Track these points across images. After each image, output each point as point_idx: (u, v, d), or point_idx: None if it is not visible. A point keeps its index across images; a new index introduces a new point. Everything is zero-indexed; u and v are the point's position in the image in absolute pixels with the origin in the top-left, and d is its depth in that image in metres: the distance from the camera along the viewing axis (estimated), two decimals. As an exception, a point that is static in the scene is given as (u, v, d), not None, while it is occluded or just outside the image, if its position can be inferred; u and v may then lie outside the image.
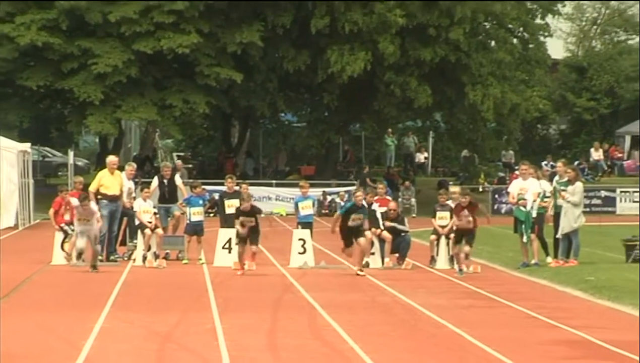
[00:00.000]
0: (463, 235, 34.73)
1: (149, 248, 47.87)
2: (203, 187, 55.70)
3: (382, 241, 46.18)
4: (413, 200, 71.54)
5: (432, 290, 38.34)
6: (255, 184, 61.75)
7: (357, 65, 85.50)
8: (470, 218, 34.82)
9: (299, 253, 45.68)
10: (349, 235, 34.67)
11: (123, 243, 49.34)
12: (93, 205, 36.47)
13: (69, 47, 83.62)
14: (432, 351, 26.36)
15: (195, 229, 49.24)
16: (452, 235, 44.65)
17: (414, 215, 66.18)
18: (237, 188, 49.31)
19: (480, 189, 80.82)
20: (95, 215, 36.03)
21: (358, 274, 36.22)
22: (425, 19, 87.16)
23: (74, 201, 36.73)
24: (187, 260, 47.97)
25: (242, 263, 36.76)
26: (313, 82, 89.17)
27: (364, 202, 38.51)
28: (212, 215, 52.59)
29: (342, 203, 58.97)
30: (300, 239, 47.13)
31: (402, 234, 45.28)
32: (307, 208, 51.26)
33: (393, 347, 25.27)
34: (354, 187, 59.17)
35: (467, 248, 35.05)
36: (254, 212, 37.11)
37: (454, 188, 48.37)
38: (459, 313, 30.80)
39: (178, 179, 52.71)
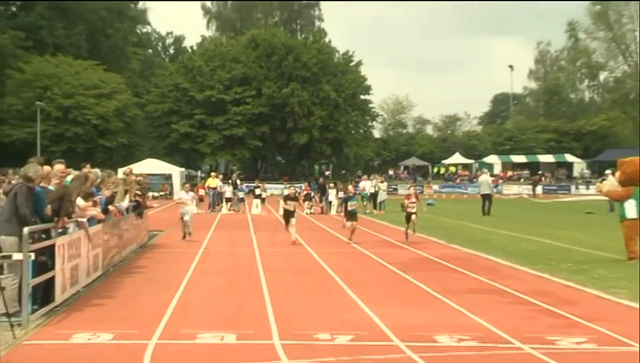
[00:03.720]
0: (410, 216, 27.03)
1: (228, 205, 47.73)
2: (246, 184, 55.91)
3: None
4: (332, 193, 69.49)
5: (332, 223, 37.90)
6: (268, 183, 61.22)
7: (304, 140, 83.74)
8: (415, 204, 27.22)
9: (282, 207, 44.92)
10: (349, 215, 27.47)
11: (218, 204, 48.91)
12: (190, 193, 29.49)
13: (198, 133, 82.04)
14: (334, 247, 26.09)
15: (242, 200, 48.81)
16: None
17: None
18: (259, 184, 49.24)
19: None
20: (190, 200, 28.93)
21: (350, 242, 26.82)
22: (329, 123, 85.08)
23: (182, 191, 30.73)
24: (241, 212, 47.01)
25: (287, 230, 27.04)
26: (288, 145, 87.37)
27: (356, 192, 32.27)
28: (249, 193, 51.89)
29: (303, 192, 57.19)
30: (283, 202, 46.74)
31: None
32: (287, 191, 50.45)
33: (320, 246, 25.08)
34: (303, 184, 57.81)
35: (412, 223, 27.03)
36: (296, 197, 29.14)
37: (331, 184, 48.40)
38: (343, 232, 30.46)
39: (238, 181, 52.56)
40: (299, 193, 37.50)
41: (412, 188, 29.63)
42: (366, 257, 22.57)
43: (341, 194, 48.29)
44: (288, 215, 26.82)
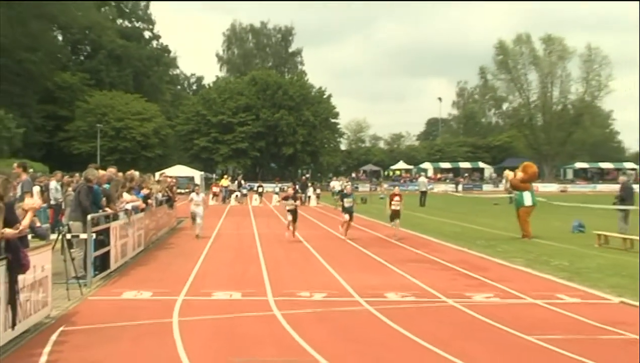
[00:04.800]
0: (395, 214, 21.60)
1: (235, 199, 47.17)
2: (248, 183, 55.45)
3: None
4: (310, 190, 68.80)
5: (311, 212, 37.72)
6: (265, 182, 60.77)
7: (290, 151, 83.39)
8: (399, 202, 21.55)
9: (277, 201, 44.13)
10: (345, 211, 21.58)
11: (227, 198, 48.49)
12: (200, 195, 23.42)
13: (213, 146, 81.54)
14: (313, 229, 25.91)
15: (245, 195, 48.28)
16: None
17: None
18: (261, 184, 49.00)
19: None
20: (202, 201, 23.46)
21: (344, 238, 21.40)
22: (309, 139, 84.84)
23: (194, 193, 23.60)
24: (244, 204, 46.24)
25: (288, 228, 21.42)
26: (278, 155, 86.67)
27: (350, 191, 23.40)
28: (250, 190, 52.02)
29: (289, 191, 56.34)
30: (276, 195, 45.97)
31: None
32: (277, 188, 49.87)
33: (302, 229, 24.76)
34: (289, 185, 56.99)
35: (397, 221, 21.71)
36: (295, 197, 22.50)
37: (309, 183, 47.78)
38: (323, 219, 30.24)
39: (242, 181, 52.19)
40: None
41: (397, 187, 23.54)
42: (336, 237, 22.58)
43: (318, 191, 48.36)
44: (291, 213, 21.22)
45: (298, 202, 21.04)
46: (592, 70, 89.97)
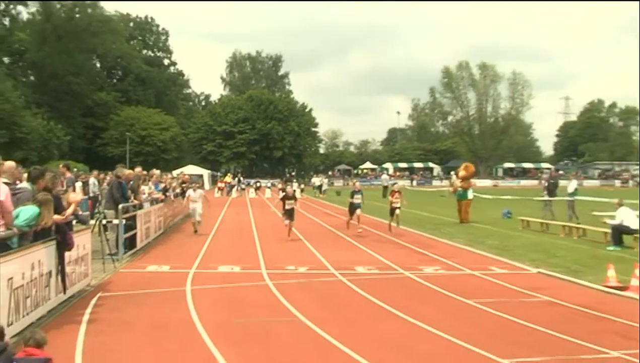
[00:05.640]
0: (395, 209, 17.99)
1: (237, 191, 46.72)
2: (246, 180, 55.01)
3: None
4: (295, 185, 68.14)
5: (298, 204, 37.60)
6: (261, 179, 60.26)
7: (279, 154, 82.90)
8: (399, 199, 18.27)
9: (269, 194, 43.85)
10: (351, 208, 17.97)
11: (230, 191, 48.11)
12: (197, 191, 18.65)
13: (218, 150, 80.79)
14: (297, 217, 25.98)
15: (244, 189, 47.79)
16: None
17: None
18: (259, 180, 48.57)
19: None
20: (198, 197, 18.24)
21: (359, 232, 17.46)
22: (294, 144, 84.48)
23: (191, 190, 18.73)
24: (243, 196, 45.79)
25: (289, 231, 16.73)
26: (270, 157, 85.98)
27: (360, 188, 18.91)
28: (248, 185, 51.70)
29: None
30: (268, 189, 45.55)
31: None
32: (269, 184, 49.38)
33: (299, 221, 24.84)
34: (278, 180, 56.22)
35: (399, 212, 18.03)
36: (294, 196, 17.59)
37: (295, 185, 46.88)
38: (306, 208, 30.14)
39: (241, 178, 51.88)
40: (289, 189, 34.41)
41: (395, 185, 21.12)
42: (316, 223, 22.64)
43: (302, 186, 48.04)
44: (289, 212, 16.99)
45: (297, 203, 17.46)
46: (517, 91, 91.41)
